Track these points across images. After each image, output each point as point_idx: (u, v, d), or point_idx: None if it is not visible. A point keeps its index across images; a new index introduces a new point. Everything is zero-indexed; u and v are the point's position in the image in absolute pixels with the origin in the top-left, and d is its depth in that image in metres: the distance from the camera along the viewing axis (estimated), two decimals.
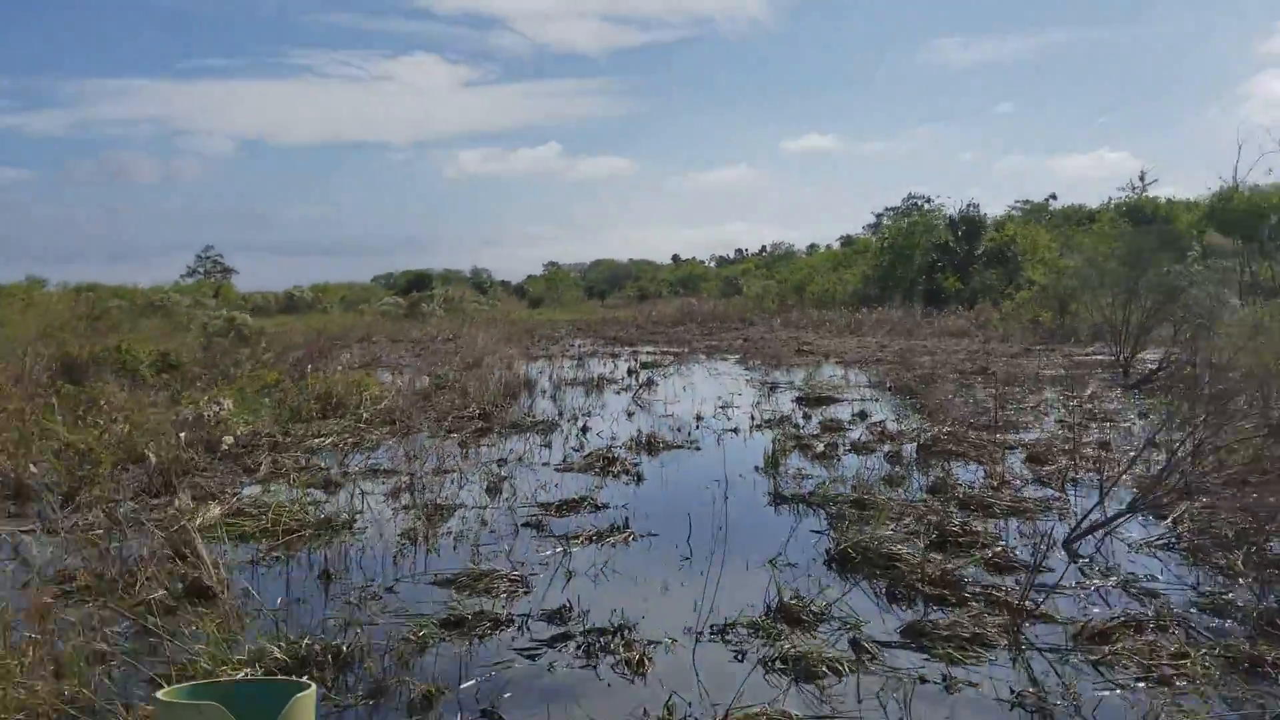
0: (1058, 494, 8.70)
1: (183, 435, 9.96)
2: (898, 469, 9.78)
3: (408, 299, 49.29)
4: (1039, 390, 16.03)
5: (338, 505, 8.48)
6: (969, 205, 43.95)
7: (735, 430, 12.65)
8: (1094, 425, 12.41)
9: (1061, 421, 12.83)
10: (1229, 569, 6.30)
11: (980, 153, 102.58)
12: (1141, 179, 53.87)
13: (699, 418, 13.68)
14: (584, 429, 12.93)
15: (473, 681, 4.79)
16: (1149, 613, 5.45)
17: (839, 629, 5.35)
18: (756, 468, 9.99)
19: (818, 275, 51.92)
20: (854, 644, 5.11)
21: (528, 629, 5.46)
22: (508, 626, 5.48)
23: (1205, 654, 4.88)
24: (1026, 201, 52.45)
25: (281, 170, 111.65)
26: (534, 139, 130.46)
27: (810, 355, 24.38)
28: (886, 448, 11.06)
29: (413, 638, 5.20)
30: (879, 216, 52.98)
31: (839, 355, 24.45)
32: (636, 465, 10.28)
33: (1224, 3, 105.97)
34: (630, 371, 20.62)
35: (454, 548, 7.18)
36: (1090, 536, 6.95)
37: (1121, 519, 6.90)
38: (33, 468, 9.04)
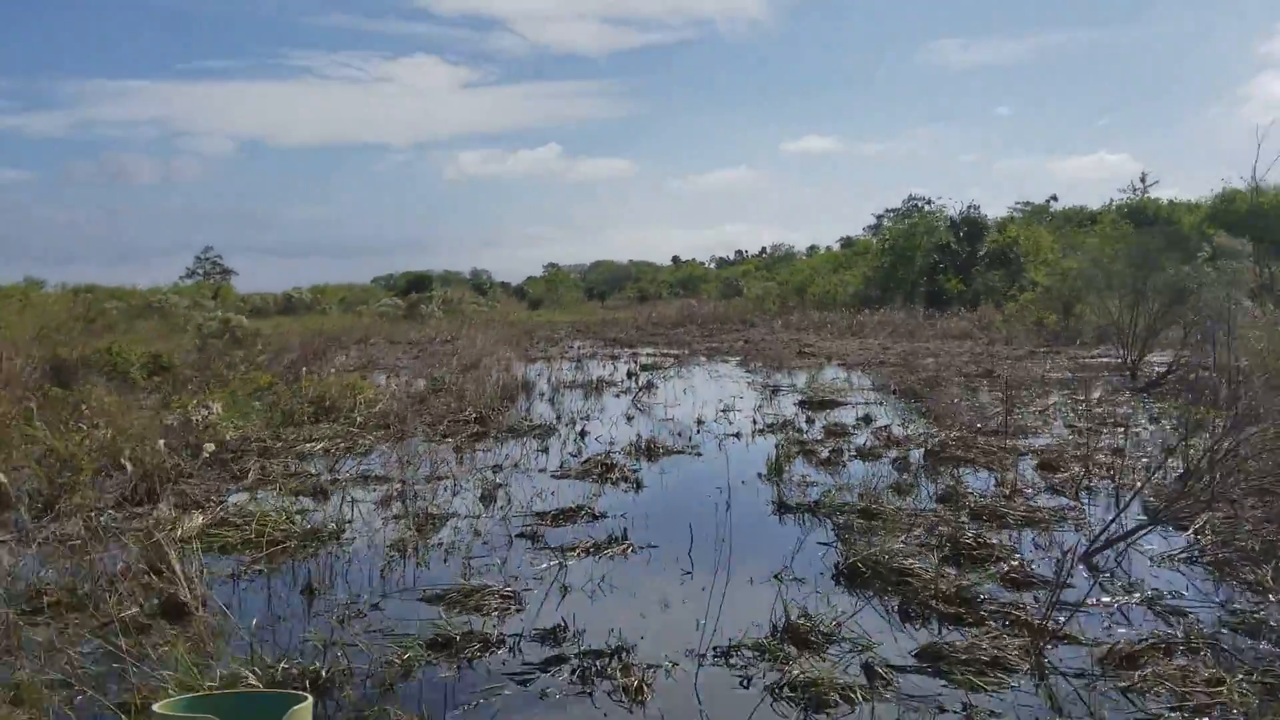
0: (1072, 503, 8.39)
1: (161, 443, 9.62)
2: (905, 476, 9.47)
3: (406, 300, 49.00)
4: (1046, 394, 15.73)
5: (326, 514, 8.17)
6: (969, 206, 43.72)
7: (737, 435, 12.35)
8: (1104, 430, 12.10)
9: (1071, 426, 12.53)
10: (1259, 585, 6.00)
11: (980, 154, 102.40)
12: (1142, 180, 53.70)
13: (700, 422, 13.38)
14: (582, 433, 12.63)
15: (459, 711, 4.49)
16: (1178, 634, 5.14)
17: (850, 651, 5.04)
18: (759, 474, 9.69)
19: (818, 277, 51.63)
20: (867, 669, 4.81)
21: (519, 651, 5.15)
22: (499, 648, 5.17)
23: (1241, 680, 4.57)
24: (1027, 203, 52.19)
25: (281, 171, 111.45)
26: (534, 140, 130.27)
27: (812, 357, 24.07)
28: (893, 453, 10.76)
29: (397, 660, 4.90)
30: (879, 218, 52.69)
31: (841, 357, 24.14)
32: (636, 472, 9.98)
33: (1224, 4, 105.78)
34: (630, 374, 20.32)
35: (445, 560, 6.87)
36: (1109, 549, 6.64)
37: (1144, 531, 6.58)
38: (1, 477, 8.71)
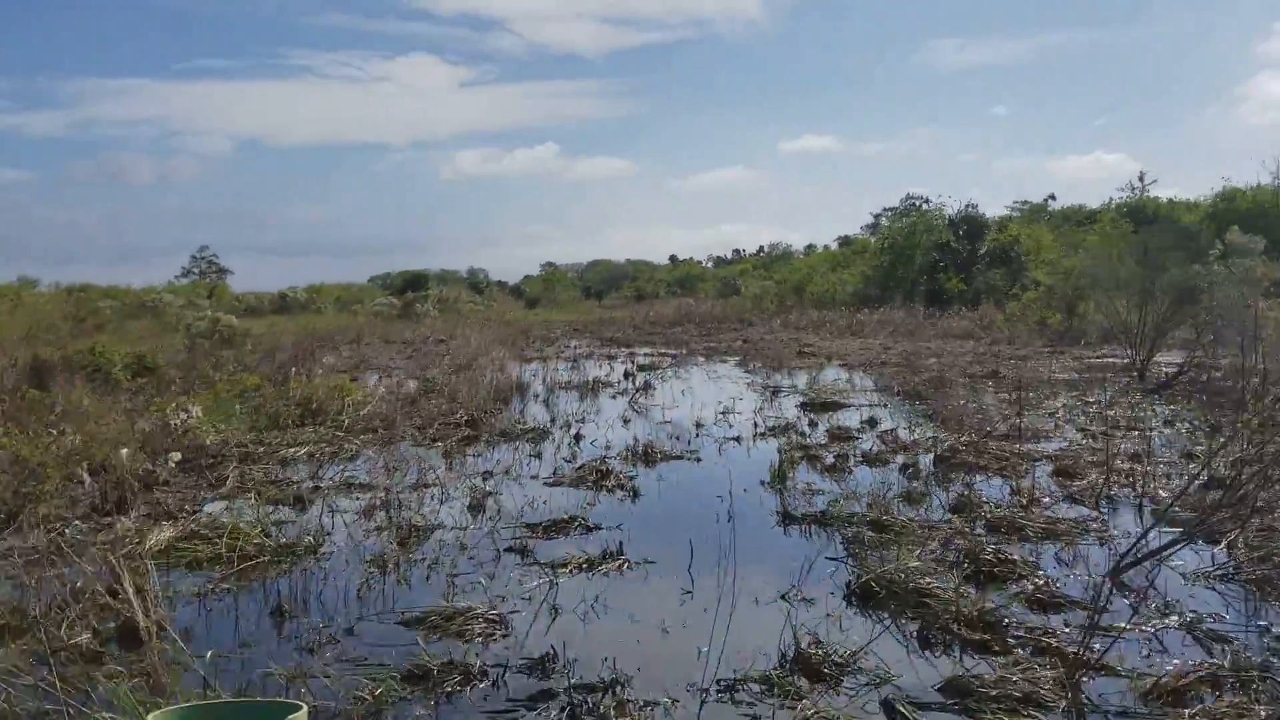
0: (1092, 513, 7.95)
1: (125, 451, 9.15)
2: (915, 484, 9.03)
3: (401, 299, 48.54)
4: (1054, 395, 15.30)
5: (304, 526, 7.71)
6: (967, 205, 43.34)
7: (737, 439, 11.90)
8: (1119, 434, 11.66)
9: (1084, 430, 12.09)
10: None
11: (978, 154, 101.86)
12: (1141, 179, 53.43)
13: (699, 424, 12.93)
14: (577, 437, 12.17)
15: None
16: (1225, 663, 4.70)
17: (867, 684, 4.60)
18: (762, 481, 9.24)
19: (816, 275, 51.20)
20: (886, 706, 4.36)
21: (504, 684, 4.70)
22: (481, 680, 4.71)
23: None
24: (1025, 202, 51.80)
25: (280, 171, 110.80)
26: (532, 140, 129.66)
27: (812, 357, 23.63)
28: (900, 459, 10.32)
29: (368, 696, 4.44)
30: (877, 217, 52.24)
31: (841, 357, 23.70)
32: (632, 479, 9.52)
33: (1221, 4, 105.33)
34: (627, 374, 19.85)
35: (427, 578, 6.42)
36: (1138, 566, 6.19)
37: (1177, 547, 6.14)
38: None
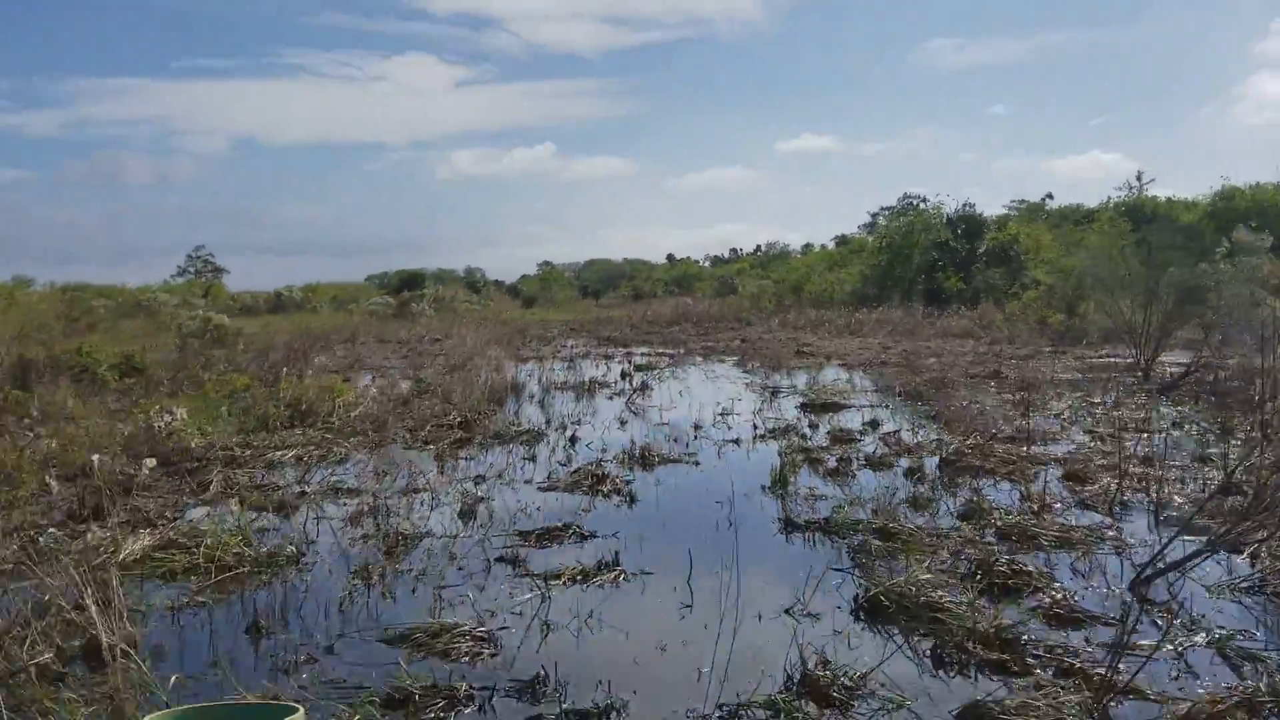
0: (1106, 519, 7.67)
1: (96, 458, 8.84)
2: (921, 488, 8.73)
3: (398, 298, 48.24)
4: (1059, 396, 15.01)
5: (287, 534, 7.41)
6: (964, 205, 43.12)
7: (736, 441, 11.60)
8: (1127, 436, 11.37)
9: (1091, 432, 11.80)
10: None
11: (977, 154, 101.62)
12: (1139, 179, 53.26)
13: (697, 426, 12.64)
14: (572, 439, 11.87)
15: None
16: (1260, 685, 4.40)
17: (879, 709, 4.30)
18: (763, 486, 8.95)
19: (814, 275, 50.93)
20: None
21: (491, 709, 4.40)
22: (466, 706, 4.41)
23: None
24: (1023, 201, 51.54)
25: (277, 170, 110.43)
26: (529, 139, 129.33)
27: (811, 357, 23.35)
28: (904, 462, 10.03)
29: None
30: (874, 216, 51.94)
31: (841, 357, 23.42)
32: (629, 483, 9.22)
33: (1219, 4, 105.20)
34: (624, 374, 19.56)
35: (414, 590, 6.11)
36: (1160, 578, 5.90)
37: (1201, 558, 5.84)
38: None
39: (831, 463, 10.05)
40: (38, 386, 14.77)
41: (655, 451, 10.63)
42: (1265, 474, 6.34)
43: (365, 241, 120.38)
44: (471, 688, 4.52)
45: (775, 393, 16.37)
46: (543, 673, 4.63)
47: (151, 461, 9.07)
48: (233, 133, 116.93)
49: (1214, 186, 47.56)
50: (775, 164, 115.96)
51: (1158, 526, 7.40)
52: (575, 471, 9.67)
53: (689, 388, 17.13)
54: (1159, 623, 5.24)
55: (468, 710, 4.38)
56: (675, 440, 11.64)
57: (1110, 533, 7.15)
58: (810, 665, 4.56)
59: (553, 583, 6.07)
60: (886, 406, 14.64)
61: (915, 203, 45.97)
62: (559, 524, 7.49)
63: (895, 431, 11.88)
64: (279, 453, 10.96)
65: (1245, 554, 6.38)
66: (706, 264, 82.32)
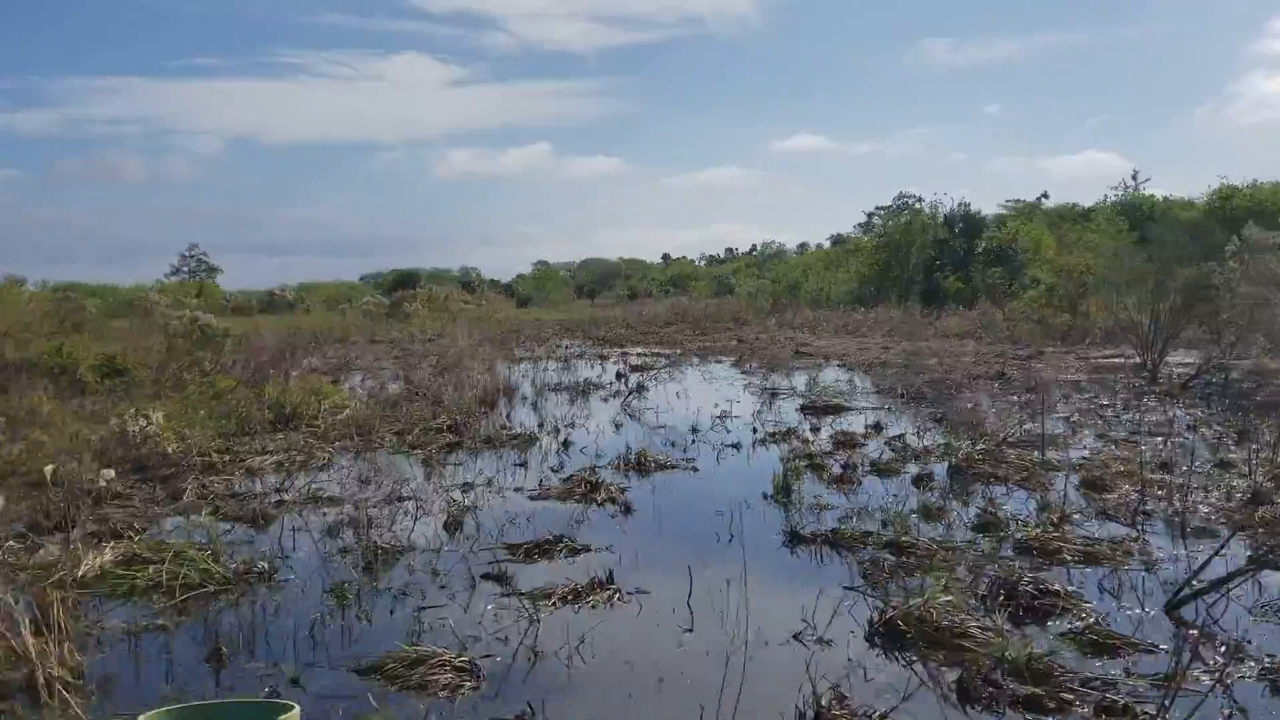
0: (1129, 528, 7.24)
1: (49, 469, 8.38)
2: (932, 497, 8.30)
3: (390, 298, 47.79)
4: (1067, 398, 14.60)
5: (261, 548, 6.96)
6: (960, 204, 42.76)
7: (736, 446, 11.17)
8: (1142, 440, 10.97)
9: (1103, 436, 11.39)
10: None
11: (970, 154, 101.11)
12: (1134, 178, 53.04)
13: (695, 430, 12.20)
14: (565, 444, 11.44)
15: None
16: None
17: None
18: (765, 494, 8.52)
19: (811, 274, 50.57)
20: None
21: None
22: None
23: None
24: (1018, 200, 51.18)
25: (273, 170, 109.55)
26: (524, 138, 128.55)
27: (809, 357, 22.94)
28: (912, 468, 9.61)
29: None
30: (870, 215, 51.47)
31: (840, 357, 23.02)
32: (624, 491, 8.78)
33: (1212, 4, 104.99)
34: (619, 375, 19.13)
35: (392, 611, 5.67)
36: (1193, 597, 5.47)
37: (1244, 577, 5.41)
38: None
39: (836, 469, 9.62)
40: (13, 389, 14.29)
41: (652, 457, 10.20)
42: None
43: (361, 241, 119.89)
44: None
45: (774, 394, 15.95)
46: (528, 711, 4.19)
47: (110, 472, 8.59)
48: (228, 132, 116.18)
49: (1211, 185, 47.25)
50: (770, 163, 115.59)
51: (1184, 539, 6.98)
52: (568, 479, 9.24)
53: (686, 389, 16.70)
54: (1222, 670, 4.79)
55: None
56: (672, 445, 11.22)
57: (1135, 546, 6.72)
58: (825, 702, 4.12)
59: (542, 604, 5.63)
60: (889, 409, 14.22)
61: (911, 202, 45.52)
62: (550, 536, 7.04)
63: (900, 435, 11.45)
64: (260, 458, 10.52)
65: None
66: (702, 264, 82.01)
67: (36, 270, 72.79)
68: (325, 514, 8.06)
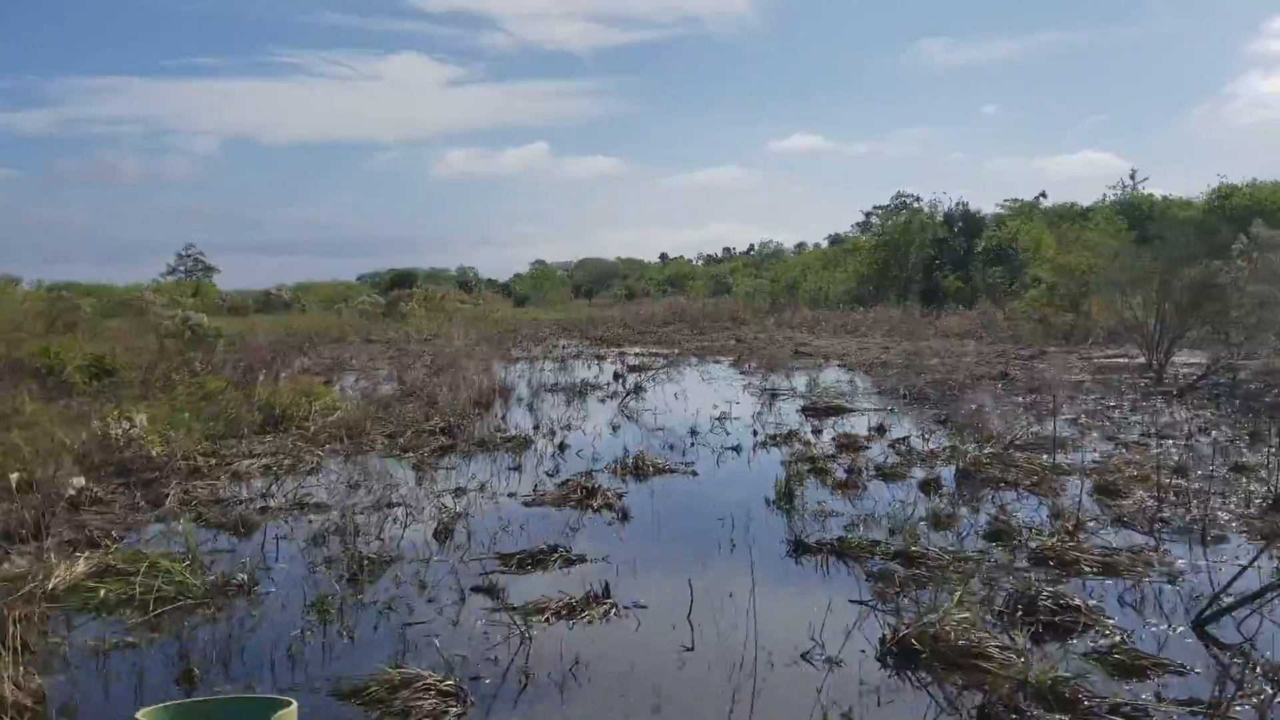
0: (1146, 537, 6.96)
1: (14, 476, 8.06)
2: (940, 502, 8.02)
3: (387, 298, 47.51)
4: (1072, 399, 14.32)
5: (242, 557, 6.65)
6: (957, 204, 42.50)
7: (736, 449, 10.88)
8: (1153, 443, 10.70)
9: (1112, 438, 11.11)
10: None
11: (968, 154, 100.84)
12: (1132, 177, 52.88)
13: (694, 432, 11.92)
14: (561, 447, 11.15)
15: None
16: None
17: None
18: (767, 500, 8.23)
19: (809, 274, 50.33)
20: None
21: None
22: None
23: None
24: (1016, 200, 50.99)
25: (271, 169, 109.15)
26: (521, 138, 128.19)
27: (809, 357, 22.67)
28: (918, 472, 9.33)
29: None
30: (868, 215, 51.25)
31: (840, 357, 22.76)
32: (621, 496, 8.49)
33: (1209, 4, 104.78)
34: (617, 376, 18.84)
35: (376, 628, 5.37)
36: (1223, 613, 5.19)
37: (1276, 593, 5.12)
38: None
39: (840, 473, 9.34)
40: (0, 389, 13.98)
41: (650, 460, 9.91)
42: None
43: (359, 241, 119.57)
44: None
45: (774, 395, 15.67)
46: None
47: (79, 479, 8.27)
48: (226, 132, 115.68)
49: (1210, 185, 47.10)
50: (768, 163, 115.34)
51: (1205, 548, 6.70)
52: (564, 483, 8.95)
53: (684, 390, 16.42)
54: (1235, 673, 4.51)
55: None
56: (671, 447, 10.93)
57: (1155, 556, 6.44)
58: None
59: (534, 619, 5.33)
60: (892, 410, 13.95)
61: (909, 201, 45.30)
62: (544, 546, 6.75)
63: (904, 438, 11.18)
64: (247, 462, 10.22)
65: None
66: (700, 263, 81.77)
67: (37, 270, 72.53)
68: (311, 521, 7.76)
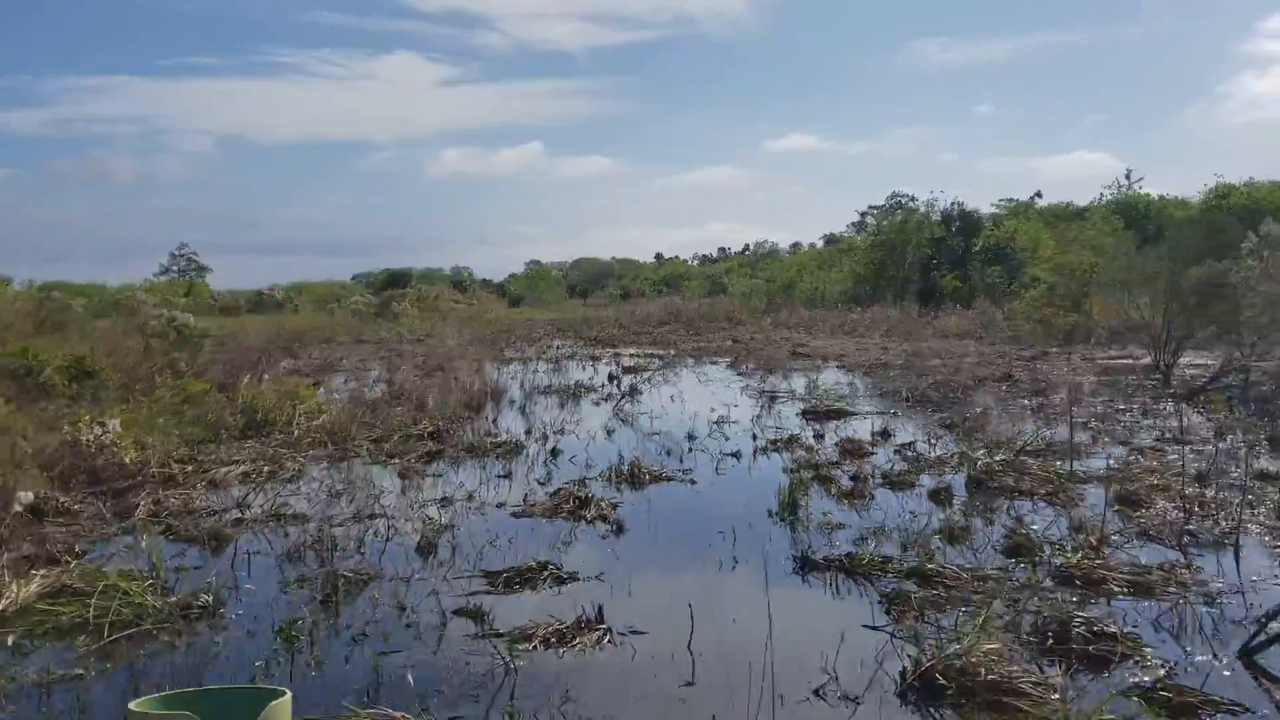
0: (1174, 551, 6.55)
1: None
2: (952, 514, 7.59)
3: (380, 298, 47.05)
4: (1079, 401, 13.91)
5: (210, 575, 6.20)
6: (953, 203, 42.15)
7: (736, 455, 10.45)
8: (1169, 448, 10.29)
9: (1126, 444, 10.70)
10: None
11: (962, 154, 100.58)
12: (1128, 177, 52.69)
13: (691, 437, 11.49)
14: (554, 452, 10.71)
15: None
16: None
17: None
18: (770, 511, 7.80)
19: (805, 274, 49.98)
20: None
21: None
22: None
23: None
24: (1012, 200, 50.71)
25: (265, 169, 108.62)
26: (516, 138, 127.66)
27: (807, 358, 22.26)
28: (927, 480, 8.91)
29: None
30: (863, 215, 50.95)
31: (838, 358, 22.35)
32: (616, 506, 8.05)
33: (1203, 4, 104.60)
34: (611, 377, 18.40)
35: (347, 658, 4.93)
36: (1273, 642, 4.77)
37: None
38: None
39: (845, 481, 8.92)
40: None
41: (645, 468, 9.47)
42: None
43: (354, 241, 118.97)
44: None
45: (773, 398, 15.25)
46: None
47: (28, 494, 7.80)
48: (220, 131, 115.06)
49: (1207, 184, 46.92)
50: (763, 163, 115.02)
51: (1239, 563, 6.29)
52: (555, 493, 8.51)
53: (681, 392, 15.99)
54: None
55: None
56: (668, 453, 10.52)
57: (1187, 573, 6.02)
58: None
59: (521, 648, 4.89)
60: (895, 413, 13.54)
61: (904, 201, 44.99)
62: (533, 563, 6.30)
63: (910, 443, 10.76)
64: (225, 469, 9.77)
65: None
66: (695, 263, 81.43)
67: (30, 269, 71.94)
68: (287, 534, 7.30)
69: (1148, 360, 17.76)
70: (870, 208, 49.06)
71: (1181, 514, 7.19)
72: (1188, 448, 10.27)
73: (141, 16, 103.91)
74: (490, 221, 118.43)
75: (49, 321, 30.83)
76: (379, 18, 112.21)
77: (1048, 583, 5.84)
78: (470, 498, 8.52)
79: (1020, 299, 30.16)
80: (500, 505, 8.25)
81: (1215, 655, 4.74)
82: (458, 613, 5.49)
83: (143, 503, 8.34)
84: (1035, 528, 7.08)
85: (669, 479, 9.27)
